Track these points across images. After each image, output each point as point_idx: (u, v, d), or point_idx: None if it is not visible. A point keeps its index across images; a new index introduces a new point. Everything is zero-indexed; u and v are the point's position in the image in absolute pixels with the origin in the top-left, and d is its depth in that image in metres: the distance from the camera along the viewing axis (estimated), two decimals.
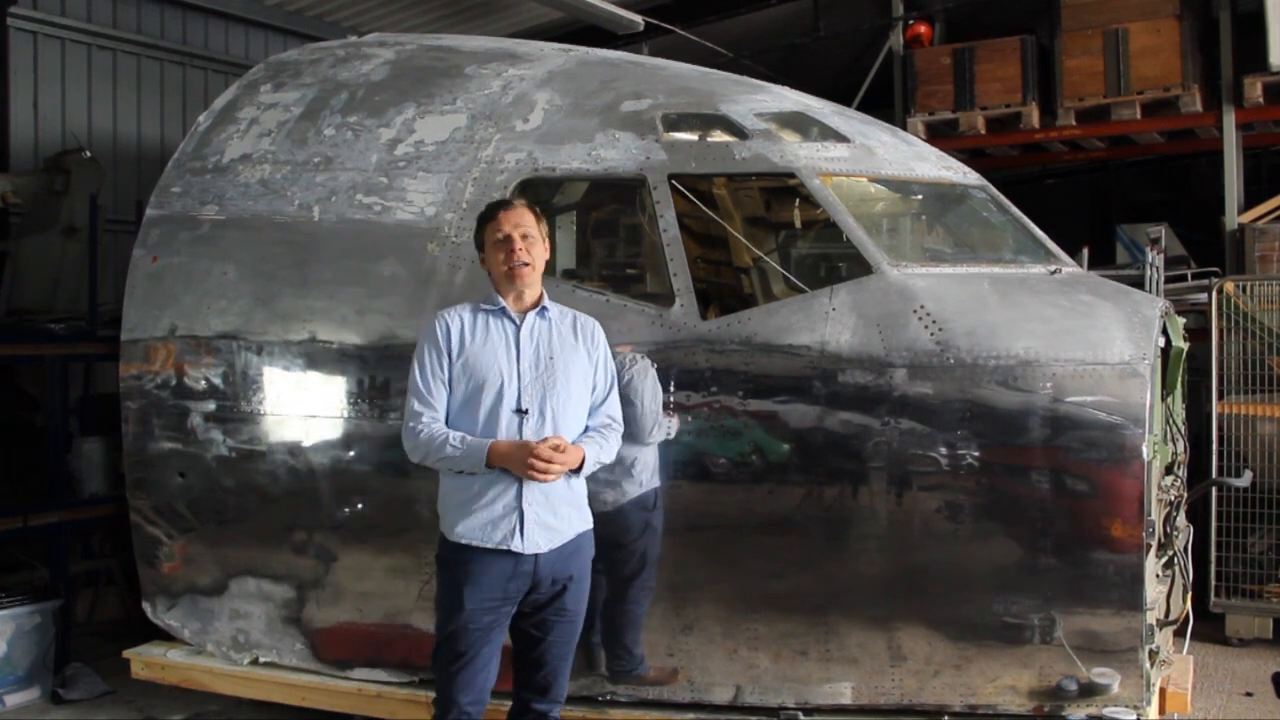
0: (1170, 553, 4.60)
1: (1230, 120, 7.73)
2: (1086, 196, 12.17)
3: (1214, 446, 6.57)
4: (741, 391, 4.20)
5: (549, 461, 3.45)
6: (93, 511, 6.46)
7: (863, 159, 4.57)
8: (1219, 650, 6.41)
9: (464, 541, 3.54)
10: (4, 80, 7.88)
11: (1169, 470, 4.69)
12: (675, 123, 4.63)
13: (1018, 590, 4.01)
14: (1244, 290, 6.76)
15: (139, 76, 8.74)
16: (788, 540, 4.20)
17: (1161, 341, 4.24)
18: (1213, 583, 6.53)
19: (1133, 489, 3.91)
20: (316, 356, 4.70)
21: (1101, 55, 7.82)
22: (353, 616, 4.70)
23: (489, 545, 3.52)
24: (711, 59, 8.99)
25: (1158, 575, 4.47)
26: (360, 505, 4.63)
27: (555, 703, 3.72)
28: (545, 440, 3.49)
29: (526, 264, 3.63)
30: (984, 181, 4.94)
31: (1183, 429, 4.96)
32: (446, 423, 3.60)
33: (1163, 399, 4.56)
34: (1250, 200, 8.04)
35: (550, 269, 4.22)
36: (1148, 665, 4.02)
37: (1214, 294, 6.69)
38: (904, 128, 7.78)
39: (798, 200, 5.25)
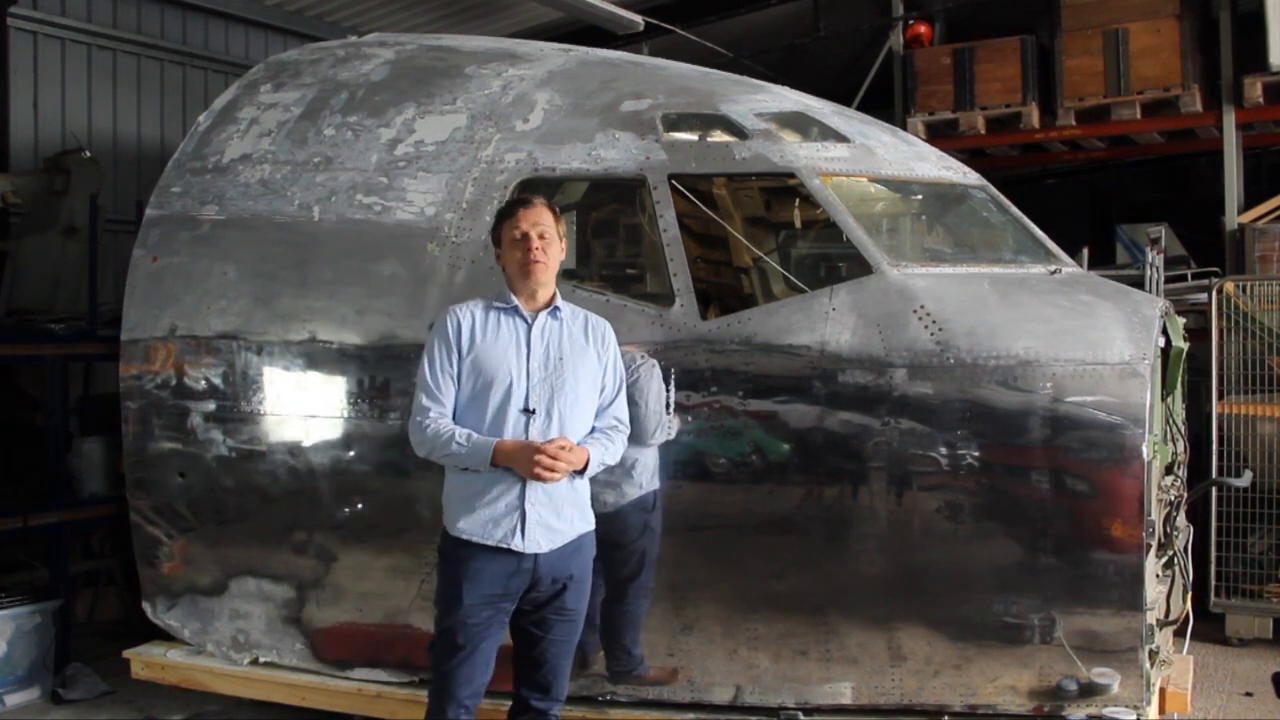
0: (1170, 553, 4.60)
1: (1230, 120, 7.73)
2: (1086, 196, 12.17)
3: (1214, 446, 6.58)
4: (741, 391, 4.20)
5: (555, 459, 3.46)
6: (93, 511, 6.46)
7: (863, 159, 4.57)
8: (1219, 650, 6.41)
9: (465, 537, 3.55)
10: (4, 80, 7.88)
11: (1169, 470, 4.69)
12: (675, 123, 4.63)
13: (1018, 590, 4.01)
14: (1244, 290, 6.76)
15: (139, 76, 8.74)
16: (788, 540, 4.20)
17: (1161, 341, 4.24)
18: (1213, 583, 6.53)
19: (1133, 489, 3.91)
20: (316, 356, 4.70)
21: (1101, 55, 7.83)
22: (353, 616, 4.70)
23: (490, 542, 3.53)
24: (711, 59, 8.99)
25: (1158, 575, 4.47)
26: (360, 505, 4.63)
27: (556, 701, 3.72)
28: (551, 440, 3.50)
29: (541, 263, 3.62)
30: (984, 181, 4.94)
31: (1183, 429, 4.96)
32: (454, 418, 3.60)
33: (1163, 399, 4.56)
34: (1250, 200, 8.04)
35: None
36: (1148, 665, 4.02)
37: (1214, 294, 6.69)
38: (904, 128, 7.79)
39: (798, 200, 5.25)
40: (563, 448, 3.49)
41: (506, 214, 3.72)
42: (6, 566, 6.50)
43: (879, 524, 4.10)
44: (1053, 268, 4.51)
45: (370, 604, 4.67)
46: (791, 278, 4.69)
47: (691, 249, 4.59)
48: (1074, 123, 8.07)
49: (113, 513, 6.21)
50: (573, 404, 3.63)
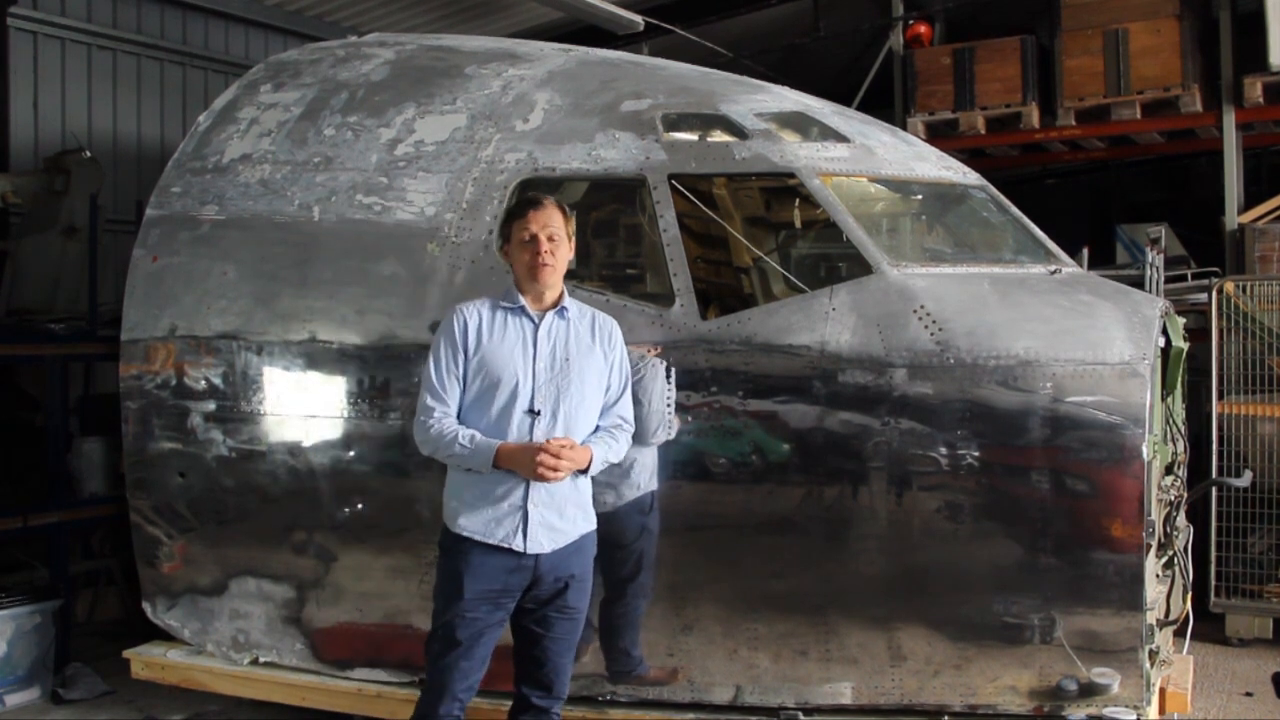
0: (1170, 553, 4.60)
1: (1230, 120, 7.73)
2: (1086, 196, 12.17)
3: (1214, 446, 6.58)
4: (741, 391, 4.20)
5: (557, 459, 3.46)
6: (93, 511, 6.46)
7: (863, 159, 4.57)
8: (1219, 650, 6.41)
9: (466, 534, 3.56)
10: (4, 80, 7.88)
11: (1169, 470, 4.69)
12: (675, 123, 4.63)
13: (1018, 590, 4.01)
14: (1244, 290, 6.76)
15: (139, 76, 8.74)
16: (788, 540, 4.20)
17: (1161, 341, 4.24)
18: (1213, 583, 6.53)
19: (1133, 489, 3.91)
20: (316, 356, 4.70)
21: (1101, 55, 7.83)
22: (353, 616, 4.70)
23: (491, 541, 3.53)
24: (711, 59, 8.99)
25: (1158, 575, 4.47)
26: (360, 505, 4.63)
27: (557, 699, 3.72)
28: (553, 440, 3.50)
29: (550, 267, 3.62)
30: (984, 181, 4.94)
31: (1183, 429, 4.96)
32: (458, 417, 3.61)
33: (1163, 399, 4.56)
34: (1250, 200, 8.05)
35: None
36: (1148, 665, 4.02)
37: (1214, 294, 6.69)
38: (904, 128, 7.78)
39: (798, 200, 5.25)
40: (565, 447, 3.49)
41: (516, 214, 3.72)
42: (6, 566, 6.50)
43: (879, 524, 4.10)
44: (1053, 268, 4.51)
45: (370, 604, 4.67)
46: (791, 278, 4.69)
47: (691, 249, 4.59)
48: (1074, 123, 8.07)
49: (113, 513, 6.21)
50: (578, 405, 3.63)
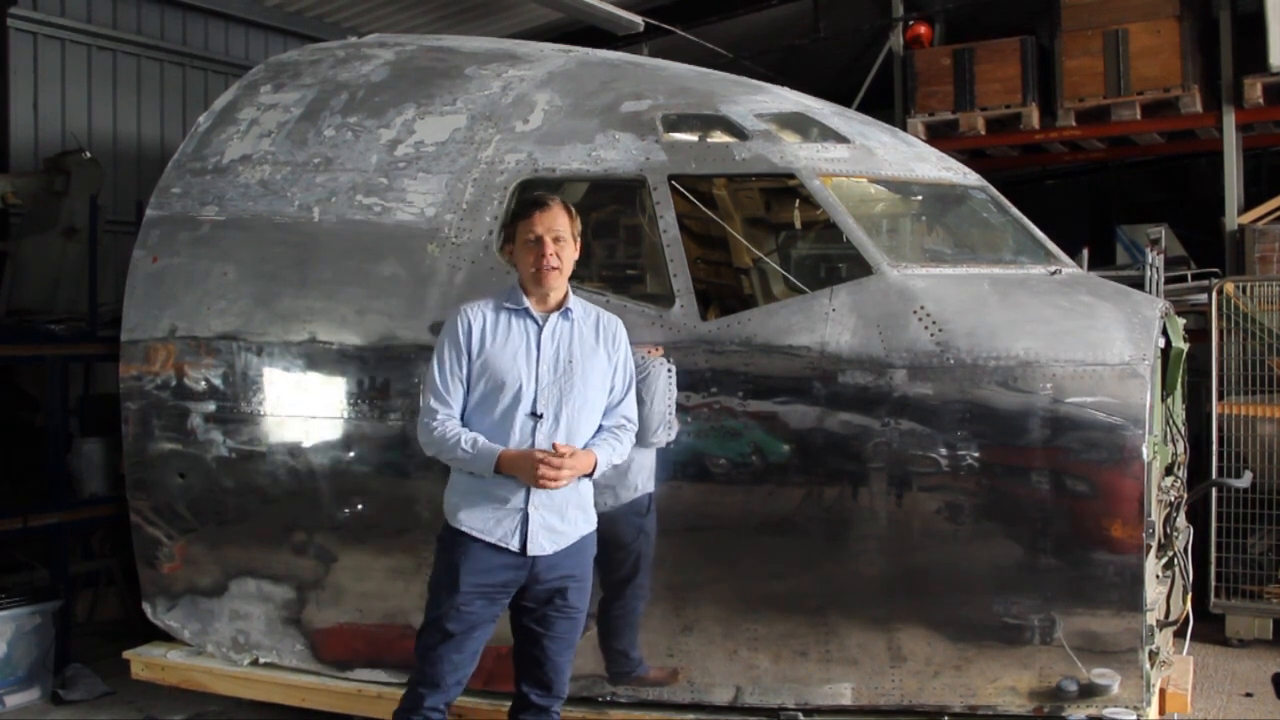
0: (1170, 553, 4.60)
1: (1230, 121, 7.73)
2: (1086, 197, 12.16)
3: (1214, 447, 6.57)
4: (741, 392, 4.20)
5: (558, 470, 3.46)
6: (93, 512, 6.46)
7: (863, 160, 4.57)
8: (1219, 651, 6.41)
9: (465, 529, 3.56)
10: (4, 80, 7.88)
11: (1169, 471, 4.68)
12: (675, 123, 4.63)
13: (1018, 591, 4.01)
14: (1244, 291, 6.76)
15: (139, 77, 8.74)
16: (788, 541, 4.20)
17: (1161, 342, 4.24)
18: (1213, 583, 6.53)
19: (1133, 489, 3.91)
20: (316, 357, 4.70)
21: (1101, 56, 7.83)
22: (353, 617, 4.70)
23: (489, 539, 3.54)
24: (711, 59, 8.99)
25: (1158, 576, 4.47)
26: (360, 506, 4.63)
27: (557, 699, 3.72)
28: (555, 448, 3.49)
29: (555, 269, 3.61)
30: (984, 182, 4.94)
31: (1183, 429, 4.96)
32: (462, 419, 3.61)
33: (1163, 399, 4.56)
34: (1250, 201, 8.04)
35: None
36: (1148, 666, 4.02)
37: (1214, 294, 6.69)
38: (904, 128, 7.78)
39: (798, 201, 5.25)
40: (566, 455, 3.48)
41: (521, 215, 3.71)
42: (6, 567, 6.50)
43: (879, 525, 4.10)
44: (1053, 268, 4.51)
45: (370, 605, 4.67)
46: (791, 278, 4.69)
47: (691, 250, 4.59)
48: (1074, 123, 8.07)
49: (113, 513, 6.21)
50: (580, 407, 3.63)
